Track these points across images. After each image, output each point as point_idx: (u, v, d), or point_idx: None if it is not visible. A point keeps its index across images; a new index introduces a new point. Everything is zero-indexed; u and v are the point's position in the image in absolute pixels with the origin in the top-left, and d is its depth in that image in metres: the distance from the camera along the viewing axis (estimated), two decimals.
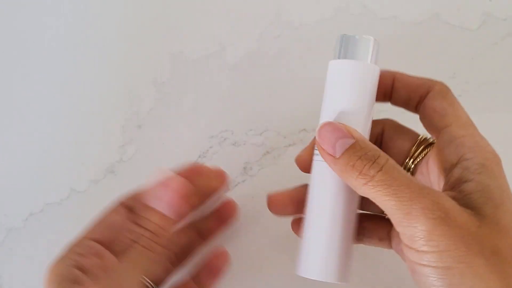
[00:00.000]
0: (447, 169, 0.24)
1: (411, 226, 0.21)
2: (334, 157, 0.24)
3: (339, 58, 0.26)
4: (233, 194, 0.37)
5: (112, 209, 0.29)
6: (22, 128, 0.39)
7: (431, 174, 0.27)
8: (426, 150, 0.28)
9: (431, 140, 0.28)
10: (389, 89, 0.28)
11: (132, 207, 0.28)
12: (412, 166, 0.28)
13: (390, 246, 0.29)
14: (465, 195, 0.22)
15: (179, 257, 0.33)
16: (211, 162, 0.38)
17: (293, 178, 0.30)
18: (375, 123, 0.28)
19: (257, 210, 0.37)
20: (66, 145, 0.38)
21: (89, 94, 0.39)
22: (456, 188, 0.23)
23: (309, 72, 0.38)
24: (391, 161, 0.23)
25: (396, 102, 0.28)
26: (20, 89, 0.39)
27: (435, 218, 0.21)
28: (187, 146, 0.38)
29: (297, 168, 0.29)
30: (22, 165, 0.38)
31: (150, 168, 0.32)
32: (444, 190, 0.24)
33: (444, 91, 0.26)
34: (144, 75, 0.36)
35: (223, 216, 0.34)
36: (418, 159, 0.28)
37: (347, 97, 0.25)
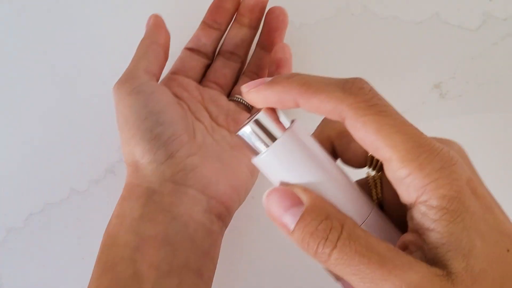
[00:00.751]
0: (406, 205, 0.21)
1: None
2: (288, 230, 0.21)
3: (257, 154, 0.22)
4: None
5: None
6: (22, 127, 0.39)
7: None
8: None
9: None
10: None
11: None
12: (374, 172, 0.25)
13: None
14: (430, 248, 0.20)
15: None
16: None
17: None
18: (322, 141, 0.24)
19: (257, 210, 0.37)
20: (66, 145, 0.38)
21: (90, 94, 0.39)
22: (420, 235, 0.20)
23: (308, 72, 0.38)
24: (345, 232, 0.20)
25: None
26: (20, 88, 0.39)
27: None
28: None
29: None
30: (22, 165, 0.38)
31: None
32: (410, 231, 0.21)
33: (363, 112, 0.20)
34: None
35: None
36: (379, 162, 0.25)
37: (296, 173, 0.22)
